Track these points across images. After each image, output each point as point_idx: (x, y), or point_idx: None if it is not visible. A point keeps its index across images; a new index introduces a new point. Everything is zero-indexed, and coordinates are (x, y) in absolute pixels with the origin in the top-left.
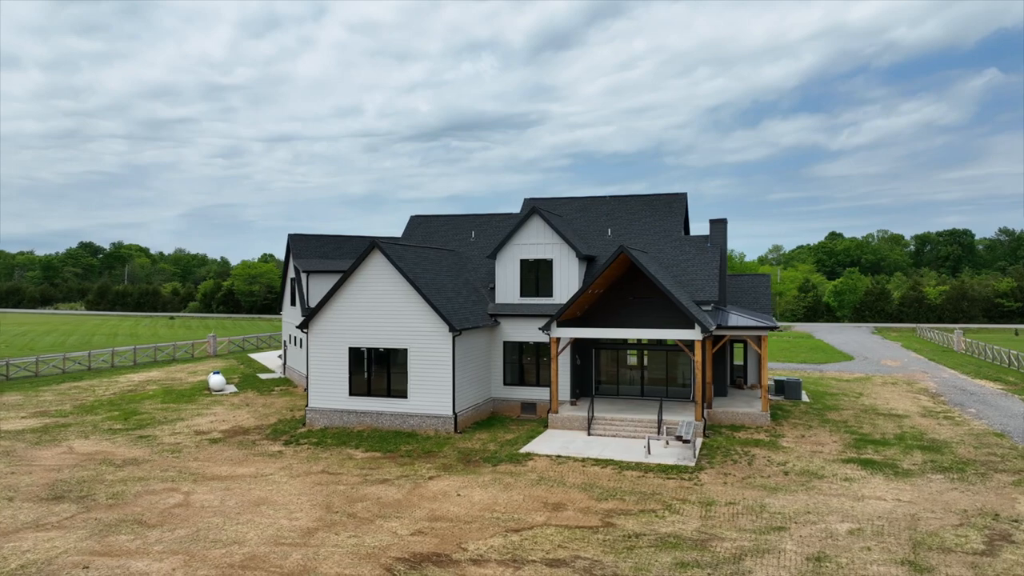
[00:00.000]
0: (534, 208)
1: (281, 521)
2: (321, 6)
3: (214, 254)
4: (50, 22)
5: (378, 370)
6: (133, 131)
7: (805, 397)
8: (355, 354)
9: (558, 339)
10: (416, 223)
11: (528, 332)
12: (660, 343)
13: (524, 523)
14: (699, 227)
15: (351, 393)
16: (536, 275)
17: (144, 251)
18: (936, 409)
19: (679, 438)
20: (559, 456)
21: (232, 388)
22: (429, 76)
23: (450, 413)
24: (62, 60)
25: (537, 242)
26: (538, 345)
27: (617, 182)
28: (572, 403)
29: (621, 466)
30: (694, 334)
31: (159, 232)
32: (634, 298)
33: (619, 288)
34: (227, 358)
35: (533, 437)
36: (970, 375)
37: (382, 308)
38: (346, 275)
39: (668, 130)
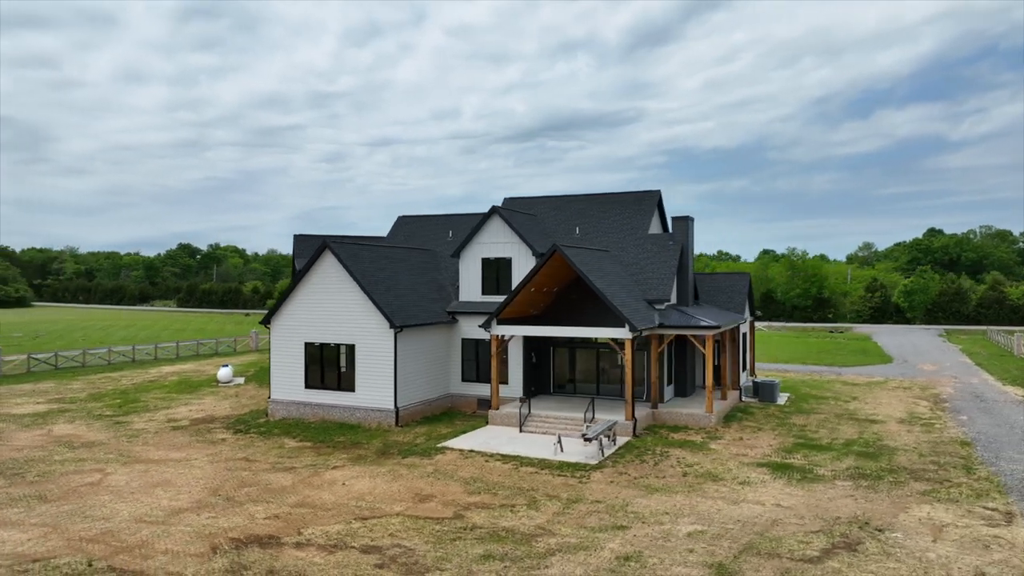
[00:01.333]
0: (494, 208)
1: (162, 501)
2: (420, 13)
3: None
4: (173, 40)
5: (330, 364)
6: (246, 139)
7: (783, 399)
8: (310, 349)
9: (499, 336)
10: (402, 223)
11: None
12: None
13: (378, 512)
14: (794, 227)
15: (307, 386)
16: (496, 274)
17: (240, 252)
18: (924, 416)
19: (583, 437)
20: (471, 451)
21: (239, 381)
22: (524, 77)
23: (391, 407)
24: (183, 75)
25: (497, 241)
26: (487, 343)
27: (716, 178)
28: (521, 400)
29: (523, 462)
30: (623, 333)
31: (269, 235)
32: (577, 297)
33: (577, 287)
34: (265, 352)
35: (467, 432)
36: (1004, 381)
37: (333, 305)
38: (302, 273)
39: (771, 123)
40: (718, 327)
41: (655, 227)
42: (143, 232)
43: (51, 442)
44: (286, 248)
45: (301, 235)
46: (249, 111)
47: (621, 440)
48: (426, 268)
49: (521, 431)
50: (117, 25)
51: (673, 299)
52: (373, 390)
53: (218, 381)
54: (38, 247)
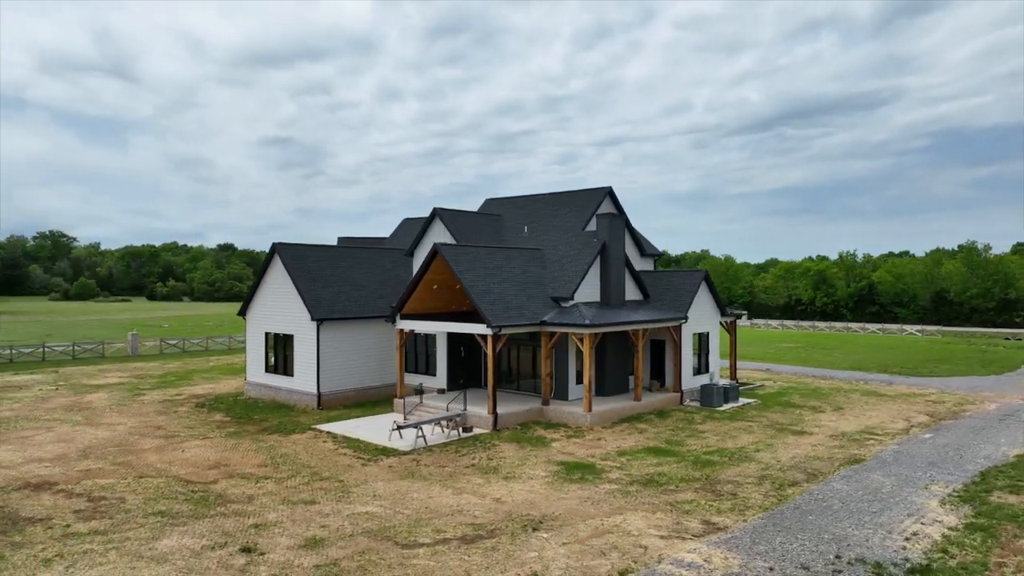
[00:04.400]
0: (435, 211)
1: (39, 451)
2: (649, 10)
3: None
4: (423, 58)
5: (279, 352)
6: (485, 146)
7: (739, 403)
8: (268, 337)
9: (402, 330)
10: (407, 224)
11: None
12: (533, 337)
13: (164, 473)
14: None
15: (266, 370)
16: None
17: None
18: (884, 430)
19: (397, 425)
20: (329, 433)
21: None
22: (760, 64)
23: (315, 391)
24: (432, 89)
25: (439, 241)
26: (427, 337)
27: (994, 161)
28: (440, 391)
29: (352, 445)
30: (484, 329)
31: None
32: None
33: None
34: None
35: (365, 416)
36: None
37: (281, 300)
38: (262, 271)
39: None
40: (596, 326)
41: None
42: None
43: (65, 403)
44: None
45: (344, 237)
46: (488, 119)
47: (478, 431)
48: (389, 267)
49: (405, 418)
50: (377, 50)
51: (593, 298)
52: (304, 375)
53: None
54: None
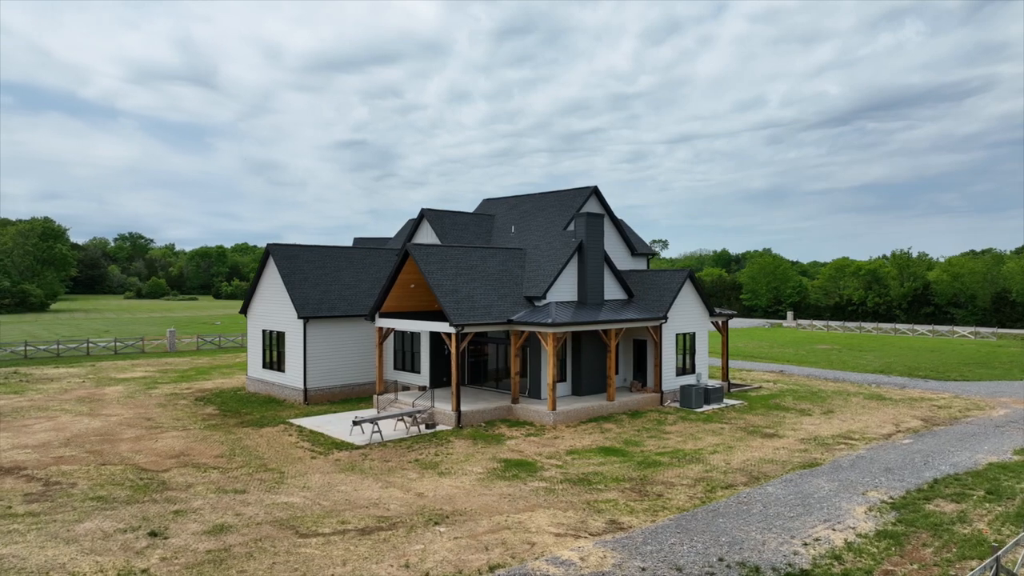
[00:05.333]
0: (422, 212)
1: (31, 438)
2: (720, 4)
3: None
4: (491, 60)
5: (273, 348)
6: (553, 145)
7: (722, 405)
8: (265, 335)
9: (380, 328)
10: (411, 225)
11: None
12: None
13: (127, 461)
14: None
15: (263, 366)
16: None
17: None
18: (870, 433)
19: (354, 421)
20: (300, 426)
21: None
22: (839, 55)
23: (302, 387)
24: (500, 90)
25: (427, 241)
26: (413, 335)
27: None
28: (421, 389)
29: (316, 438)
30: (446, 327)
31: None
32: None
33: None
34: None
35: (343, 412)
36: None
37: (274, 299)
38: (259, 271)
39: None
40: (559, 325)
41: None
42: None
43: (82, 395)
44: None
45: (359, 238)
46: (556, 118)
47: (442, 428)
48: (383, 267)
49: (378, 414)
50: (446, 53)
51: (571, 297)
52: (293, 371)
53: None
54: None
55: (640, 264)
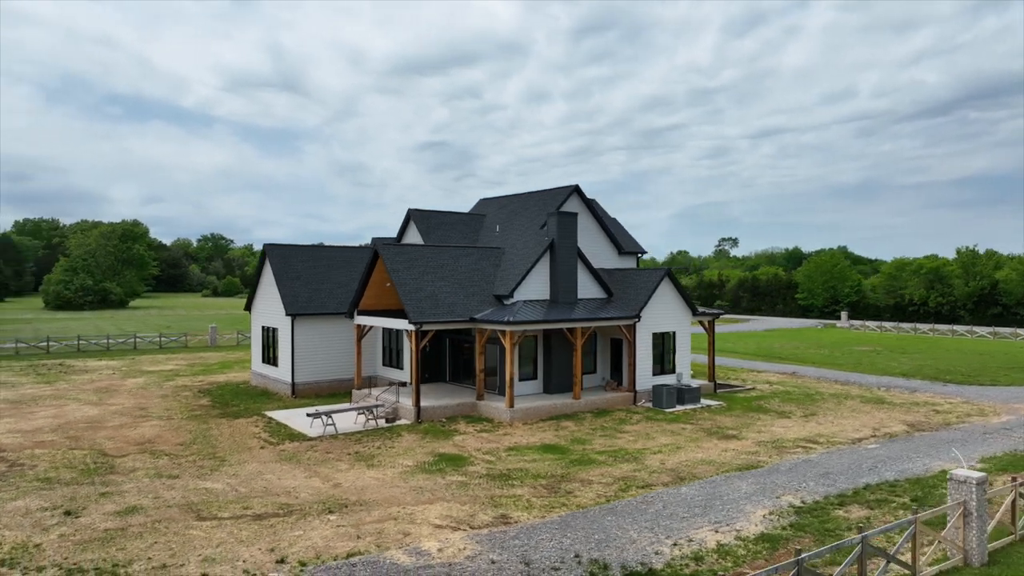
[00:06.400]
0: (409, 214)
1: (29, 423)
2: None
3: (695, 252)
4: (570, 59)
5: (269, 344)
6: (632, 142)
7: (697, 405)
8: (262, 331)
9: (359, 325)
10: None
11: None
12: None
13: (97, 446)
14: None
15: (262, 361)
16: None
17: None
18: (839, 437)
19: (308, 414)
20: (270, 418)
21: None
22: (938, 42)
23: (289, 380)
24: (579, 89)
25: (414, 242)
26: (397, 332)
27: None
28: (402, 385)
29: (278, 429)
30: (407, 325)
31: (654, 233)
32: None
33: None
34: None
35: (318, 405)
36: None
37: (270, 296)
38: (258, 271)
39: None
40: (518, 323)
41: (585, 221)
42: None
43: (98, 386)
44: (677, 246)
45: (377, 238)
46: (635, 115)
47: (403, 422)
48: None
49: (336, 407)
50: (525, 53)
51: (544, 296)
52: (284, 365)
53: None
54: None
55: (629, 263)
